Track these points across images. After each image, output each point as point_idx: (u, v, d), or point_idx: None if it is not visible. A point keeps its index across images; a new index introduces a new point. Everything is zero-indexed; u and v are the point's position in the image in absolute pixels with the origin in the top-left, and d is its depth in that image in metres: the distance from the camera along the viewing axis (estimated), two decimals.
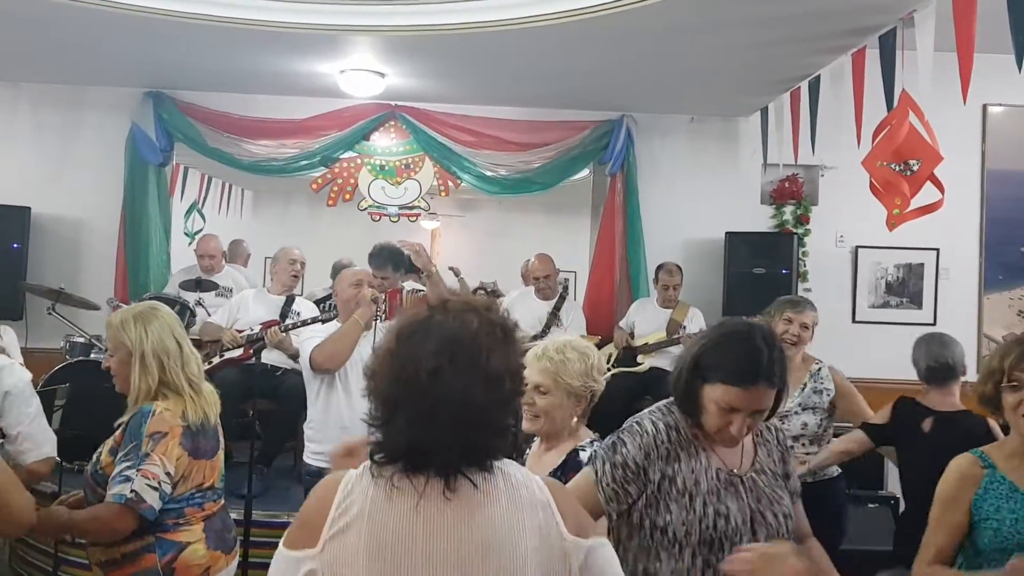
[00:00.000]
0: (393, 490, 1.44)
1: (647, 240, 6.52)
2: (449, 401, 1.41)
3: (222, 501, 2.71)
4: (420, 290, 6.04)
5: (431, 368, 1.43)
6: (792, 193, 6.57)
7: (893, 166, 3.96)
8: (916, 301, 6.53)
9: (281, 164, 6.48)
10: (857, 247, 6.54)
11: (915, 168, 3.83)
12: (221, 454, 2.69)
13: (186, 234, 9.30)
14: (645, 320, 5.97)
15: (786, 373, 1.93)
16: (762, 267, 6.21)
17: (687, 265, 6.26)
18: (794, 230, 6.50)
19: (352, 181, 6.53)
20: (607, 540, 1.57)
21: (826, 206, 6.58)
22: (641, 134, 6.59)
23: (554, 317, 5.90)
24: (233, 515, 4.51)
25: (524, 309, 6.01)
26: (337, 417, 3.74)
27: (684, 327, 5.79)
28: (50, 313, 5.56)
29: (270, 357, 5.14)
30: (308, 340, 3.85)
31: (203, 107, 6.45)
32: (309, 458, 3.84)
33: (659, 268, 6.00)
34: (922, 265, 6.51)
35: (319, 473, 3.62)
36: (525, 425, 2.48)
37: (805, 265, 6.51)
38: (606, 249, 6.56)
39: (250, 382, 5.02)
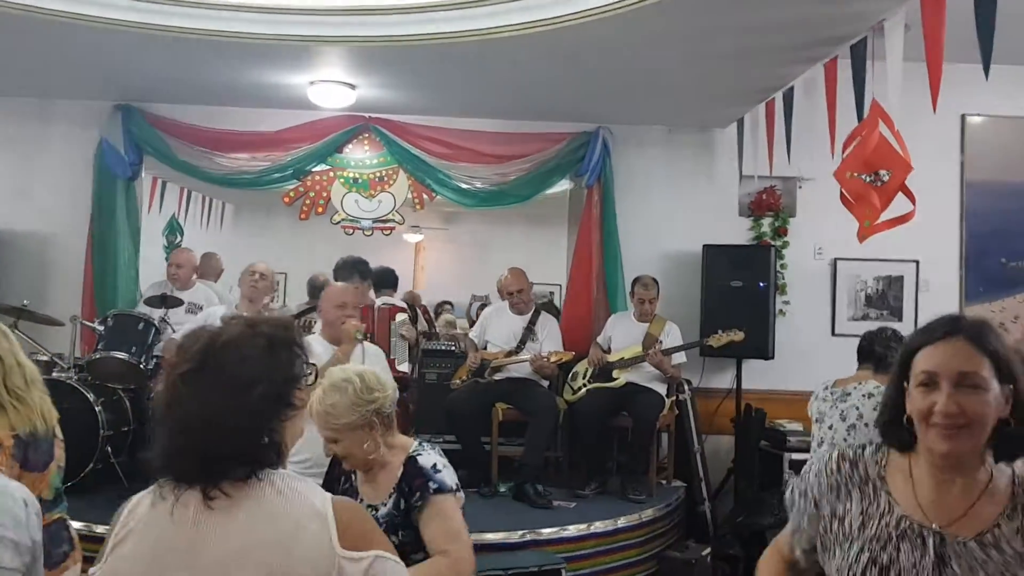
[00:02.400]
0: (160, 501, 1.47)
1: (624, 253, 6.44)
2: (196, 407, 1.44)
3: (58, 515, 2.58)
4: (391, 304, 5.98)
5: (182, 372, 1.48)
6: (770, 205, 6.51)
7: (864, 177, 3.89)
8: (896, 314, 6.46)
9: (252, 177, 6.38)
10: (836, 259, 6.47)
11: (885, 179, 3.76)
12: (54, 466, 2.58)
13: (166, 248, 9.21)
14: (621, 334, 5.88)
15: (1007, 349, 1.59)
16: (740, 280, 6.13)
17: (665, 278, 6.18)
18: (772, 242, 6.44)
19: (325, 194, 6.44)
20: (393, 555, 1.53)
21: (804, 218, 6.52)
22: (617, 146, 6.52)
23: (529, 332, 5.80)
24: None
25: (499, 324, 5.93)
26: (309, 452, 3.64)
27: (660, 341, 5.71)
28: (13, 331, 5.41)
29: None
30: None
31: (173, 120, 6.35)
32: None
33: (635, 281, 5.92)
34: (902, 277, 6.45)
35: None
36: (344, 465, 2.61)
37: (784, 278, 6.45)
38: (583, 262, 6.48)
39: None
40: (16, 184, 6.37)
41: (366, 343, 4.09)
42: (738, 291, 6.11)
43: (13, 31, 4.92)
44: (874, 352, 3.87)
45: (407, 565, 2.31)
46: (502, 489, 5.54)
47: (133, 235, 6.47)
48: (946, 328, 1.58)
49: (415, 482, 2.47)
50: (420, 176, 6.40)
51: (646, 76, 5.43)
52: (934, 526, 1.57)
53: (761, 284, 6.11)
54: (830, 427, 3.90)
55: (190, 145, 6.31)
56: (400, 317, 5.41)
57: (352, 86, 5.63)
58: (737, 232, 6.53)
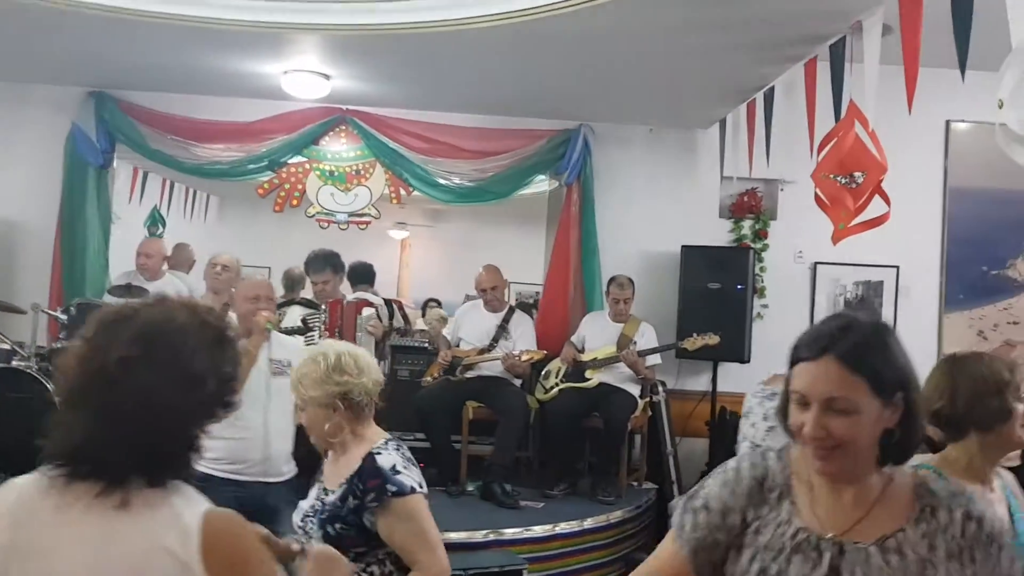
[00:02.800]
0: (43, 492, 1.32)
1: (602, 252, 6.36)
2: (136, 398, 1.31)
3: None
4: (364, 300, 5.88)
5: (119, 358, 1.32)
6: (751, 207, 6.44)
7: (839, 179, 3.82)
8: None
9: (226, 167, 6.27)
10: (816, 263, 6.40)
11: (860, 180, 3.69)
12: None
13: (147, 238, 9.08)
14: (595, 334, 5.80)
15: (894, 360, 1.50)
16: (718, 282, 6.05)
17: (642, 278, 6.11)
18: (752, 245, 6.37)
19: (300, 187, 6.33)
20: None
21: (785, 221, 6.45)
22: (599, 144, 6.44)
23: (502, 330, 5.72)
24: None
25: (473, 321, 5.85)
26: (222, 430, 3.56)
27: (635, 342, 5.63)
28: None
29: None
30: None
31: (146, 108, 6.25)
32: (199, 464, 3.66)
33: (611, 281, 5.84)
34: (882, 283, 6.39)
35: (207, 478, 3.53)
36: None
37: (762, 281, 6.38)
38: (561, 261, 6.39)
39: None
40: None
41: (282, 336, 4.04)
42: (716, 293, 6.04)
43: None
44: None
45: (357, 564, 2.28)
46: (470, 488, 5.47)
47: (103, 224, 6.35)
48: (822, 345, 1.49)
49: (370, 482, 2.38)
50: (397, 170, 6.31)
51: (628, 73, 5.36)
52: (830, 535, 1.49)
53: (739, 286, 6.03)
54: (752, 424, 3.82)
55: (163, 134, 6.20)
56: (367, 312, 5.31)
57: (327, 76, 5.54)
58: (717, 234, 6.46)
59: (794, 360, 1.52)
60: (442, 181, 6.34)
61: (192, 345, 1.36)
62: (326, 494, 2.48)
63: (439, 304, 10.72)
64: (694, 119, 6.26)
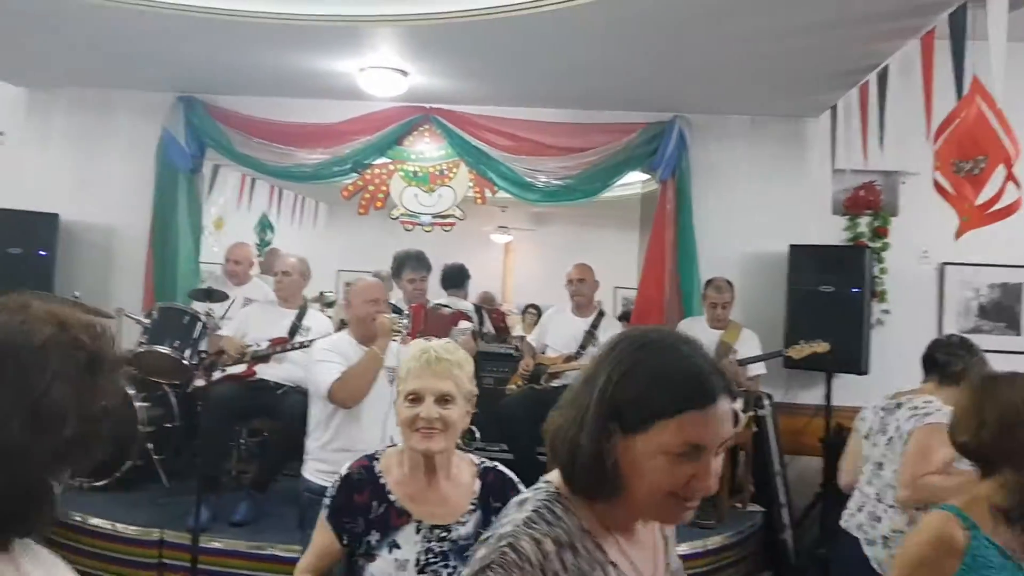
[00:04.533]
0: None
1: (701, 253, 5.90)
2: None
3: None
4: (444, 306, 5.65)
5: None
6: (868, 202, 5.85)
7: (960, 164, 3.29)
8: (1013, 326, 5.70)
9: (309, 170, 6.17)
10: (944, 264, 5.76)
11: (983, 166, 3.17)
12: None
13: (257, 246, 9.20)
14: None
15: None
16: (830, 285, 5.51)
17: (745, 281, 5.66)
18: (870, 244, 5.78)
19: (384, 188, 6.16)
20: None
21: (907, 217, 5.82)
22: (696, 137, 5.99)
23: (591, 336, 5.37)
24: (217, 544, 4.24)
25: (559, 326, 5.54)
26: (346, 440, 3.44)
27: (735, 350, 5.17)
28: None
29: (273, 373, 4.81)
30: (323, 365, 3.53)
31: (232, 111, 6.22)
32: (311, 475, 3.47)
33: (707, 284, 5.41)
34: (1019, 285, 5.68)
35: (320, 491, 3.37)
36: (425, 444, 2.12)
37: (883, 283, 5.78)
38: (655, 263, 5.97)
39: (249, 399, 4.72)
40: (81, 175, 6.36)
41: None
42: (828, 297, 5.50)
43: (80, 21, 4.82)
44: (936, 360, 3.27)
45: None
46: None
47: (194, 228, 6.36)
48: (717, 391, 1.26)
49: (510, 494, 2.05)
50: (482, 170, 6.05)
51: (726, 57, 4.90)
52: None
53: (855, 289, 5.47)
54: (874, 444, 3.34)
55: (249, 137, 6.16)
56: (463, 325, 5.00)
57: (404, 72, 5.32)
58: (830, 232, 5.89)
59: (678, 408, 1.25)
60: (528, 180, 6.02)
61: (55, 372, 1.02)
62: (447, 531, 2.15)
63: (538, 310, 10.44)
64: (801, 106, 5.72)
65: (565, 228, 11.73)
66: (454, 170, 6.15)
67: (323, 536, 2.20)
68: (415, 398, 2.16)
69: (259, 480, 4.65)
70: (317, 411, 3.59)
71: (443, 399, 2.14)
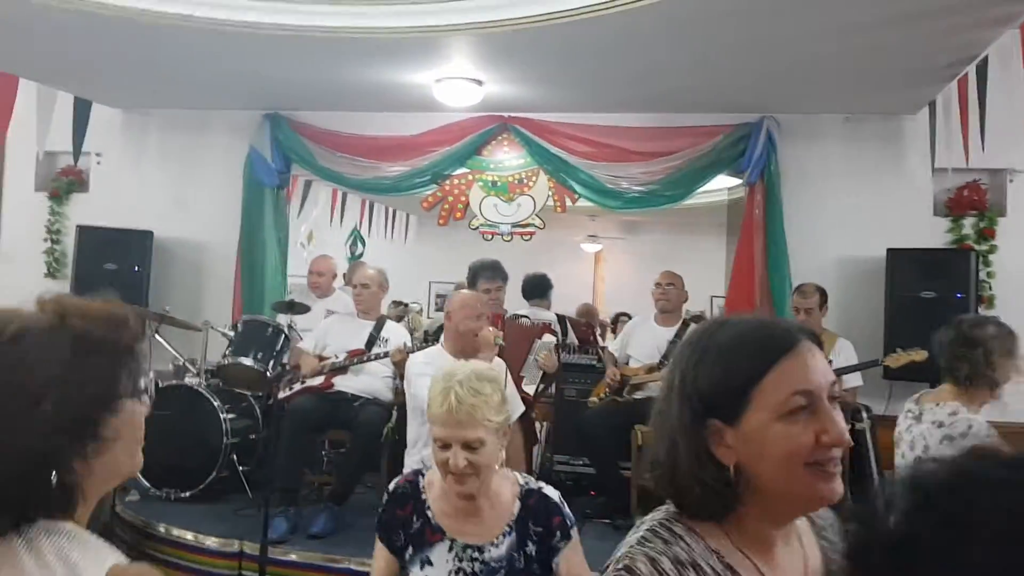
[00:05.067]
0: None
1: (793, 259, 5.64)
2: None
3: None
4: (523, 316, 5.56)
5: None
6: (973, 203, 5.48)
7: None
8: None
9: (390, 182, 6.20)
10: None
11: None
12: None
13: (348, 259, 9.35)
14: None
15: None
16: (932, 290, 5.19)
17: (841, 288, 5.39)
18: (975, 246, 5.42)
19: (463, 199, 6.13)
20: None
21: (1017, 217, 5.44)
22: (785, 138, 5.74)
23: (674, 346, 5.18)
24: (293, 556, 4.23)
25: (642, 336, 5.38)
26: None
27: (830, 360, 4.88)
28: (155, 336, 5.52)
29: (350, 385, 4.80)
30: (424, 380, 3.34)
31: (315, 126, 6.31)
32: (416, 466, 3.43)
33: (795, 290, 5.15)
34: None
35: None
36: (457, 488, 2.08)
37: (990, 288, 5.41)
38: (744, 271, 5.75)
39: (326, 411, 4.73)
40: (175, 193, 6.55)
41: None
42: (930, 303, 5.17)
43: (167, 43, 4.97)
44: (940, 366, 2.95)
45: None
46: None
47: (281, 242, 6.47)
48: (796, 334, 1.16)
49: (552, 520, 2.13)
50: (561, 178, 5.95)
51: (816, 53, 4.67)
52: None
53: (959, 295, 5.13)
54: (902, 455, 3.04)
55: (330, 151, 6.23)
56: (547, 339, 4.86)
57: (479, 82, 5.28)
58: (931, 234, 5.55)
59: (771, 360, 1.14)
60: (609, 187, 5.88)
61: (29, 354, 1.07)
62: (480, 552, 2.11)
63: (630, 319, 10.24)
64: (898, 103, 5.41)
65: (657, 236, 11.51)
66: (533, 179, 6.07)
67: (379, 550, 2.22)
68: (443, 445, 2.11)
69: (337, 492, 4.64)
70: (416, 426, 3.55)
71: (469, 446, 2.08)
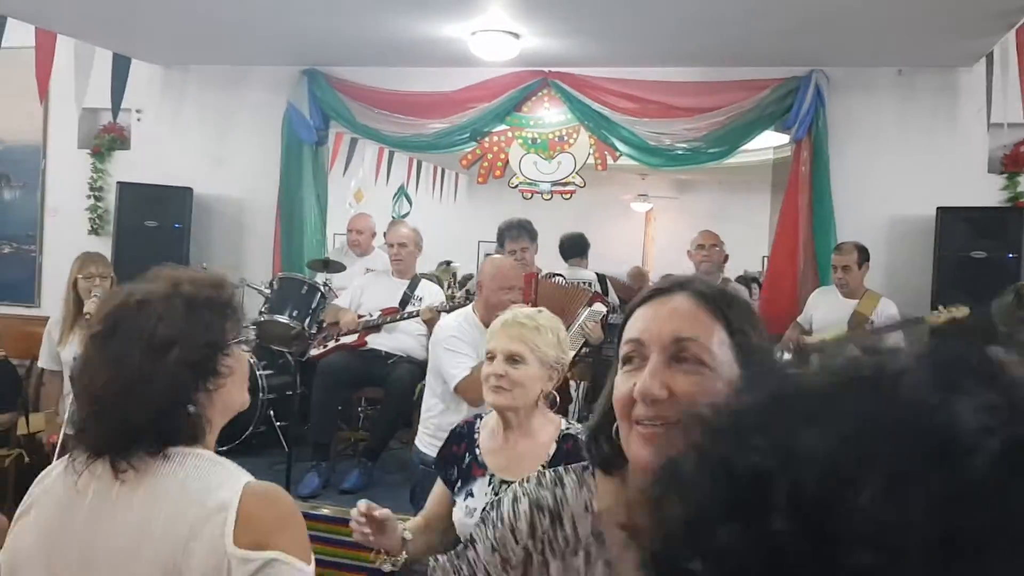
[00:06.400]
0: (68, 472, 1.38)
1: (838, 218, 5.48)
2: (108, 372, 1.34)
3: None
4: (557, 275, 5.49)
5: (94, 334, 1.39)
6: None
7: None
8: None
9: (430, 139, 6.12)
10: None
11: None
12: None
13: (393, 218, 9.33)
14: (825, 312, 4.98)
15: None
16: (983, 250, 5.01)
17: (888, 248, 5.25)
18: None
19: (503, 156, 6.04)
20: (298, 558, 1.30)
21: None
22: (835, 92, 5.54)
23: None
24: (326, 510, 4.27)
25: None
26: (454, 416, 3.35)
27: (871, 321, 4.77)
28: None
29: (383, 343, 4.80)
30: (452, 357, 3.41)
31: (352, 82, 6.24)
32: (425, 447, 3.44)
33: (834, 248, 5.02)
34: None
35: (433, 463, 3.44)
36: (491, 398, 2.28)
37: None
38: (788, 230, 5.60)
39: (359, 368, 4.74)
40: (214, 150, 6.55)
41: None
42: (980, 263, 5.02)
43: None
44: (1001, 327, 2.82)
45: None
46: None
47: (320, 200, 6.45)
48: (675, 286, 1.08)
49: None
50: (603, 135, 5.82)
51: (870, 2, 4.45)
52: None
53: (1010, 255, 4.95)
54: None
55: (368, 108, 6.17)
56: (597, 307, 4.75)
57: (516, 35, 5.16)
58: (984, 192, 5.33)
59: (632, 308, 1.09)
60: (652, 143, 5.75)
61: (157, 315, 1.36)
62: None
63: None
64: (953, 55, 5.18)
65: (709, 195, 11.19)
66: (574, 136, 5.95)
67: (437, 483, 2.41)
68: (490, 356, 2.33)
69: (370, 448, 4.66)
70: (435, 385, 3.52)
71: (512, 359, 2.27)
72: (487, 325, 3.44)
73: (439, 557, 1.28)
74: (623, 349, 1.05)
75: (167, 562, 1.27)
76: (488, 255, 10.99)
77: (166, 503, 1.30)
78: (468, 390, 3.34)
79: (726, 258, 5.44)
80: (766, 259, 8.63)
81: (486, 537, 1.18)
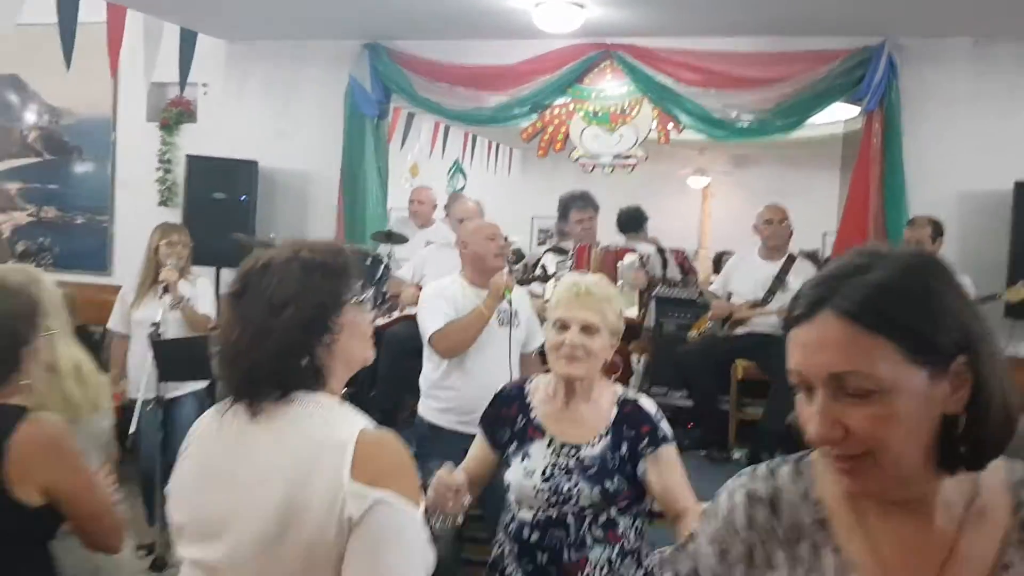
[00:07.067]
0: (217, 415, 1.58)
1: (910, 193, 5.34)
2: (240, 327, 1.52)
3: None
4: (624, 247, 5.46)
5: (229, 294, 1.58)
6: None
7: None
8: None
9: (490, 112, 6.10)
10: None
11: None
12: None
13: (448, 192, 9.37)
14: None
15: (941, 317, 0.95)
16: None
17: (963, 224, 5.12)
18: None
19: (563, 129, 6.00)
20: (408, 500, 1.42)
21: None
22: (908, 63, 5.38)
23: (779, 281, 5.01)
24: None
25: (745, 272, 5.22)
26: (456, 378, 3.56)
27: None
28: None
29: None
30: (428, 312, 3.56)
31: (413, 56, 6.24)
32: (424, 411, 3.69)
33: (907, 223, 4.90)
34: None
35: (430, 427, 3.60)
36: (566, 368, 2.29)
37: None
38: (858, 204, 5.46)
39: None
40: (278, 124, 6.61)
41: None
42: None
43: None
44: None
45: (606, 516, 2.24)
46: (736, 455, 4.91)
47: (381, 173, 6.49)
48: (818, 296, 0.97)
49: (641, 427, 2.28)
50: (667, 106, 5.74)
51: None
52: None
53: None
54: None
55: (429, 81, 6.17)
56: (628, 259, 4.88)
57: (580, 5, 5.10)
58: None
59: (786, 327, 1.01)
60: (717, 116, 5.65)
61: (280, 277, 1.52)
62: (577, 449, 2.28)
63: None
64: None
65: (768, 170, 10.94)
66: (636, 108, 5.88)
67: (478, 442, 2.45)
68: (562, 325, 2.30)
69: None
70: (427, 351, 3.63)
71: (587, 329, 2.27)
72: (473, 282, 3.59)
73: (664, 549, 1.26)
74: (791, 376, 1.00)
75: (291, 489, 1.42)
76: (542, 230, 10.90)
77: (290, 440, 1.47)
78: (440, 343, 3.50)
79: (791, 234, 5.35)
80: (827, 236, 8.48)
81: (703, 532, 1.15)
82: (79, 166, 7.07)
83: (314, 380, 1.52)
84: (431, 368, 3.63)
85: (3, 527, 1.88)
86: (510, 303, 3.52)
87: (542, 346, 4.23)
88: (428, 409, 3.64)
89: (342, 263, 1.59)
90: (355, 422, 1.50)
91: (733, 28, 5.54)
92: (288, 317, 1.49)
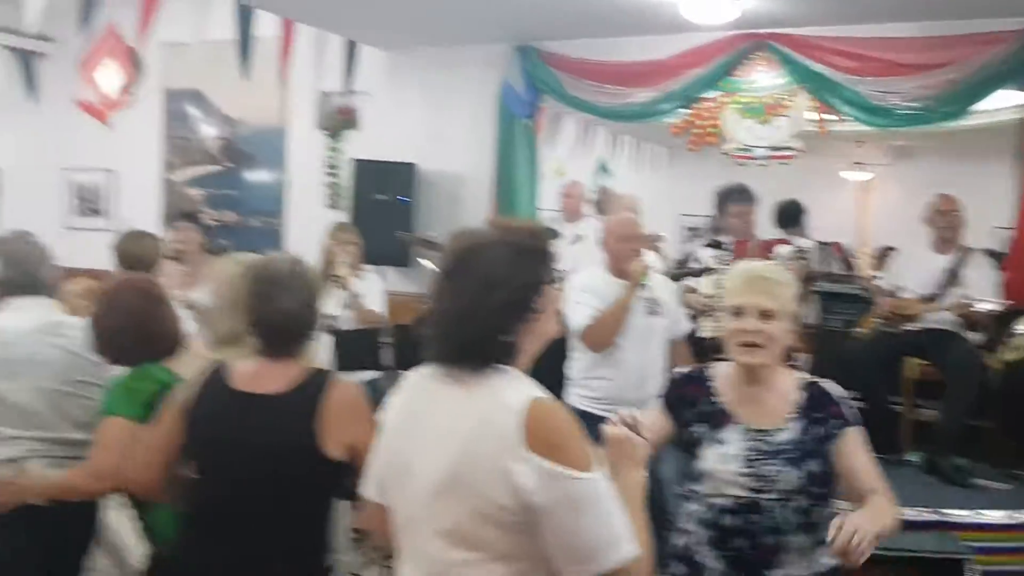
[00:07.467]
0: (420, 375, 1.76)
1: None
2: (450, 300, 1.65)
3: None
4: (778, 239, 5.40)
5: (443, 268, 1.69)
6: None
7: None
8: None
9: (639, 108, 6.15)
10: None
11: None
12: None
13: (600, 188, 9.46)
14: None
15: None
16: None
17: None
18: None
19: (715, 122, 5.94)
20: (578, 472, 1.55)
21: None
22: None
23: (952, 275, 4.82)
24: None
25: (916, 266, 5.04)
26: (605, 369, 3.77)
27: None
28: (420, 260, 5.90)
29: None
30: (576, 307, 3.76)
31: (563, 56, 6.37)
32: (575, 401, 3.82)
33: None
34: None
35: (582, 416, 3.59)
36: (745, 357, 2.29)
37: None
38: None
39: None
40: (431, 127, 6.90)
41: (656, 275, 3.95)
42: None
43: None
44: None
45: (805, 500, 2.23)
46: (911, 458, 4.79)
47: (532, 173, 6.66)
48: None
49: (831, 409, 2.28)
50: (824, 96, 5.59)
51: None
52: None
53: None
54: None
55: (579, 79, 6.28)
56: (783, 250, 4.82)
57: None
58: None
59: None
60: (876, 103, 5.47)
61: (493, 259, 1.63)
62: (767, 434, 2.28)
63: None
64: None
65: (929, 162, 10.35)
66: (791, 99, 5.77)
67: (657, 414, 2.43)
68: (738, 312, 2.29)
69: None
70: (576, 343, 3.81)
71: (765, 314, 2.25)
72: (616, 276, 3.78)
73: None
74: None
75: (467, 445, 1.59)
76: (690, 228, 10.78)
77: (479, 403, 1.61)
78: (590, 337, 3.69)
79: (964, 225, 5.13)
80: (996, 230, 8.00)
81: None
82: (254, 173, 7.61)
83: (510, 355, 1.65)
84: (580, 358, 3.82)
85: (317, 480, 2.15)
86: (650, 290, 3.65)
87: (691, 332, 4.32)
88: (578, 397, 3.82)
89: (543, 246, 1.72)
90: (531, 391, 1.63)
91: (893, 14, 5.36)
92: (499, 298, 1.61)
